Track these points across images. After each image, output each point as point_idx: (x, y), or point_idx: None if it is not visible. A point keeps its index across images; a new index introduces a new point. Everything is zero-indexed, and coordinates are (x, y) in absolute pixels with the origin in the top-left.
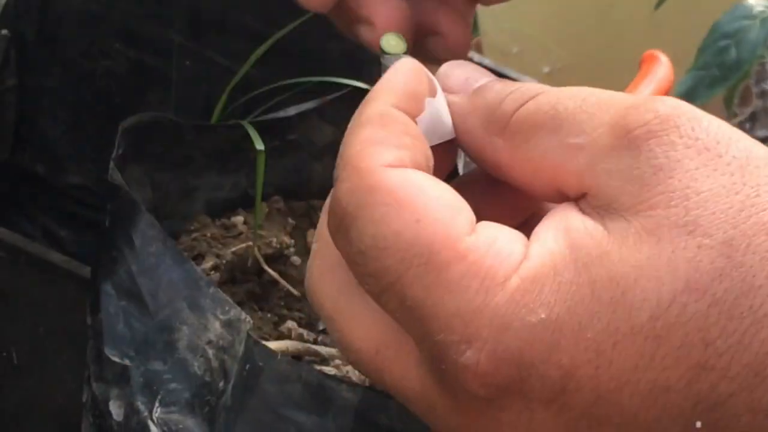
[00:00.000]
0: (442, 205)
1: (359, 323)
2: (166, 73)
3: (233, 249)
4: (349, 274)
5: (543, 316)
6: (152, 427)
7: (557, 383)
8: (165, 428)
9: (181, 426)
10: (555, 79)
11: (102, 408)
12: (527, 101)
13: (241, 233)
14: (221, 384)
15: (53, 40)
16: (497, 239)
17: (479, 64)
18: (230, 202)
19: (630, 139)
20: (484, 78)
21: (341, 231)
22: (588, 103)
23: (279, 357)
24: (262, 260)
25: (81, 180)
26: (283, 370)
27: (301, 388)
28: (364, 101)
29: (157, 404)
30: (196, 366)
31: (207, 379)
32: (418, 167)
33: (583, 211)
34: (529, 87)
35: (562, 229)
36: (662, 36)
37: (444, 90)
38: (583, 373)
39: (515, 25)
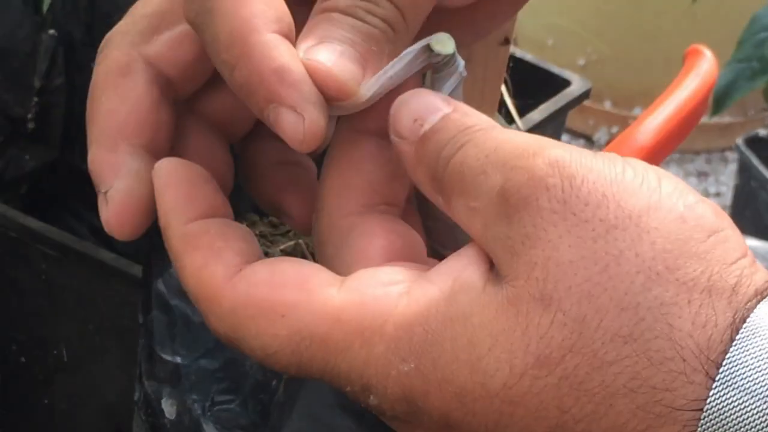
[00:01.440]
0: (295, 285)
1: None
2: None
3: (282, 246)
4: None
5: (413, 365)
6: (205, 426)
7: (440, 420)
8: (218, 426)
9: (233, 424)
10: (590, 71)
11: (154, 406)
12: (456, 153)
13: (289, 231)
14: (274, 382)
15: (101, 39)
16: (367, 288)
17: (515, 57)
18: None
19: (508, 206)
20: (435, 114)
21: (237, 347)
22: (489, 161)
23: None
24: (310, 257)
25: None
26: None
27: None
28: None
29: (209, 402)
30: (248, 365)
31: (259, 377)
32: (244, 255)
33: (483, 266)
34: (459, 136)
35: (453, 278)
36: (699, 28)
37: (394, 134)
38: (456, 416)
39: (551, 18)
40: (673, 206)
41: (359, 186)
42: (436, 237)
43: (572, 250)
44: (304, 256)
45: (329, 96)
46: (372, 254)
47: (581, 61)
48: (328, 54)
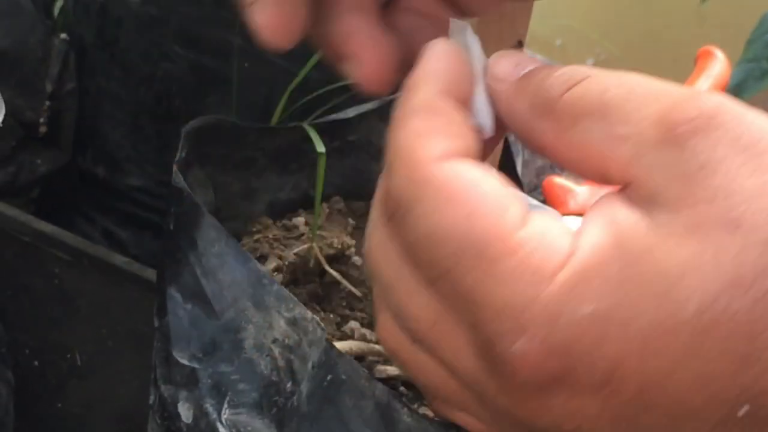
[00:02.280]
0: (494, 199)
1: (418, 295)
2: (226, 75)
3: (295, 250)
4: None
5: (591, 309)
6: (221, 429)
7: (604, 374)
8: (234, 430)
9: (249, 428)
10: None
11: (171, 410)
12: (575, 85)
13: (302, 234)
14: (289, 385)
15: (112, 43)
16: (547, 233)
17: None
18: (291, 203)
19: (675, 135)
20: (533, 64)
21: (395, 220)
22: (636, 93)
23: (360, 371)
24: (323, 261)
25: (141, 182)
26: (361, 385)
27: (372, 406)
28: (407, 89)
29: (225, 406)
30: (263, 365)
31: (274, 378)
32: (467, 156)
33: (628, 200)
34: (576, 70)
35: (609, 222)
36: (708, 27)
37: (492, 78)
38: (629, 364)
39: (559, 17)
40: None
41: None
42: None
43: (753, 179)
44: (317, 260)
45: None
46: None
47: (590, 61)
48: None
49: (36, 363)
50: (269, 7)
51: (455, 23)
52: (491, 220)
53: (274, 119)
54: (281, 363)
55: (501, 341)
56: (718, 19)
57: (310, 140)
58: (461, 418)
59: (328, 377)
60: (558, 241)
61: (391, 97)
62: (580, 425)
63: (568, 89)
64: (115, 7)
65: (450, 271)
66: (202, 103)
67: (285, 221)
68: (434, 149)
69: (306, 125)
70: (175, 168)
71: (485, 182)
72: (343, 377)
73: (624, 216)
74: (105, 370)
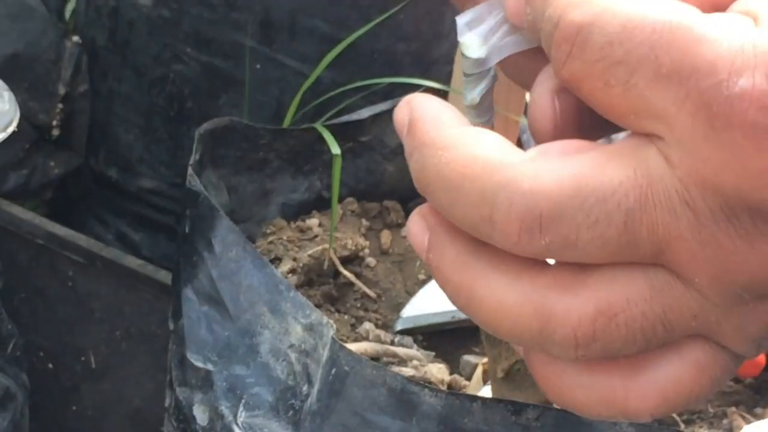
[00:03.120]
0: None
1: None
2: (238, 77)
3: (309, 252)
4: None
5: None
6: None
7: None
8: None
9: (266, 430)
10: None
11: (186, 413)
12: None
13: (316, 236)
14: (305, 388)
15: (125, 45)
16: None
17: None
18: (305, 205)
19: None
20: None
21: (576, 48)
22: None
23: (364, 361)
24: (338, 263)
25: (154, 184)
26: (368, 374)
27: (386, 393)
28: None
29: (241, 408)
30: (279, 370)
31: (290, 383)
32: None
33: None
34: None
35: None
36: None
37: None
38: None
39: None
40: None
41: None
42: None
43: None
44: (331, 261)
45: None
46: None
47: None
48: None
49: (50, 365)
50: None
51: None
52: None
53: (287, 121)
54: (298, 368)
55: (721, 91)
56: None
57: (323, 141)
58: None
59: (333, 371)
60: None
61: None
62: None
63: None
64: (127, 9)
65: (649, 54)
66: (214, 105)
67: (299, 222)
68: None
69: (320, 126)
70: (189, 170)
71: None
72: (346, 368)
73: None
74: (119, 371)
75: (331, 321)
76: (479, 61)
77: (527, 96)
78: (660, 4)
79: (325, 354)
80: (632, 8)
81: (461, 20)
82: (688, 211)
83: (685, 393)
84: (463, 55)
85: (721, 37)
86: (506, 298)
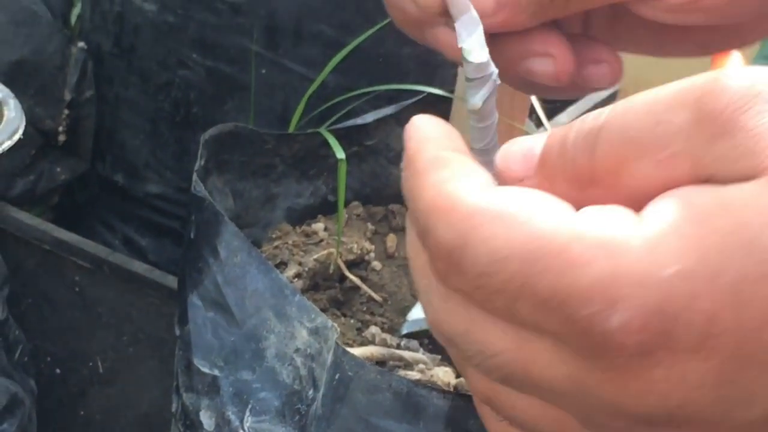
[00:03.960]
0: (539, 202)
1: (494, 329)
2: (244, 82)
3: (315, 256)
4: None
5: (675, 268)
6: None
7: (702, 329)
8: None
9: None
10: None
11: (193, 418)
12: (595, 144)
13: (322, 240)
14: (311, 392)
15: (130, 51)
16: (603, 212)
17: None
18: (310, 209)
19: (721, 124)
20: (536, 145)
21: (452, 268)
22: (656, 112)
23: (368, 366)
24: (344, 267)
25: (160, 189)
26: (372, 379)
27: (390, 397)
28: (407, 163)
29: (247, 414)
30: (285, 374)
31: (296, 387)
32: (490, 187)
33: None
34: (581, 127)
35: (676, 195)
36: None
37: (508, 182)
38: (724, 316)
39: None
40: None
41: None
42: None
43: None
44: (337, 265)
45: None
46: None
47: None
48: None
49: (58, 370)
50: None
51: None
52: (544, 218)
53: (292, 125)
54: (303, 372)
55: (596, 323)
56: None
57: (328, 146)
58: None
59: (337, 376)
60: (620, 215)
61: (410, 101)
62: (685, 397)
63: (592, 152)
64: (133, 15)
65: (526, 282)
66: (220, 110)
67: (304, 227)
68: (462, 187)
69: (324, 131)
70: (195, 176)
71: (523, 192)
72: (350, 374)
73: (691, 189)
74: (126, 376)
75: (335, 325)
76: (480, 66)
77: (533, 100)
78: (529, 216)
79: (329, 358)
80: (499, 230)
81: (461, 25)
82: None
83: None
84: (464, 60)
85: (594, 260)
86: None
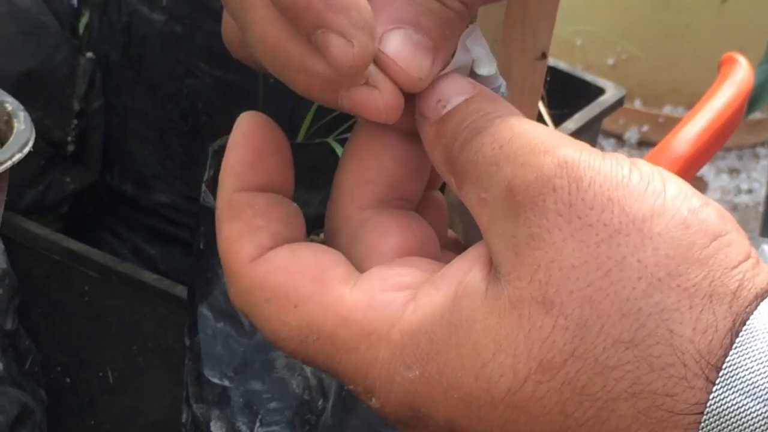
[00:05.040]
0: (312, 278)
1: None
2: (251, 91)
3: None
4: None
5: (417, 373)
6: None
7: (445, 426)
8: None
9: None
10: (620, 70)
11: (203, 429)
12: (470, 141)
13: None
14: (320, 402)
15: (138, 61)
16: (376, 290)
17: (548, 65)
18: (318, 219)
19: (515, 203)
20: (458, 96)
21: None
22: (502, 152)
23: None
24: None
25: (169, 198)
26: None
27: None
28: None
29: (258, 424)
30: (295, 384)
31: (306, 397)
32: (277, 238)
33: (490, 264)
34: (478, 120)
35: (457, 283)
36: (728, 26)
37: (418, 113)
38: (461, 422)
39: (579, 18)
40: (677, 211)
41: (376, 180)
42: (470, 226)
43: (575, 254)
44: None
45: (396, 83)
46: (384, 250)
47: (611, 61)
48: (403, 45)
49: (68, 380)
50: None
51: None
52: (316, 301)
53: (301, 135)
54: (313, 382)
55: (362, 399)
56: (738, 18)
57: (336, 155)
58: None
59: (346, 387)
60: (388, 298)
61: None
62: None
63: (465, 146)
64: (140, 25)
65: (306, 357)
66: (228, 119)
67: (312, 236)
68: (246, 252)
69: (332, 141)
70: (203, 187)
71: (299, 263)
72: None
73: (472, 279)
74: (136, 386)
75: None
76: (489, 79)
77: (540, 108)
78: (299, 300)
79: None
80: (274, 312)
81: (468, 38)
82: None
83: None
84: (473, 73)
85: (356, 348)
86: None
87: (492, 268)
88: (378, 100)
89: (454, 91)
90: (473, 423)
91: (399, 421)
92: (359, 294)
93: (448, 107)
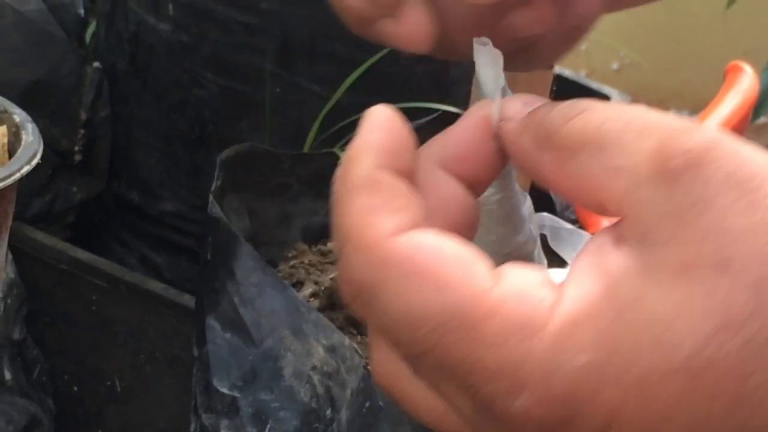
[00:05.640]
0: (460, 264)
1: (420, 396)
2: (258, 101)
3: (331, 275)
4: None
5: (585, 360)
6: None
7: (603, 421)
8: None
9: None
10: (624, 75)
11: None
12: (575, 117)
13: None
14: (329, 412)
15: (145, 70)
16: (525, 285)
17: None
18: (326, 228)
19: (668, 169)
20: (541, 102)
21: (360, 304)
22: (633, 126)
23: None
24: None
25: (175, 207)
26: (398, 412)
27: (410, 431)
28: (346, 162)
29: None
30: (303, 393)
31: (314, 406)
32: (415, 225)
33: (621, 238)
34: (577, 103)
35: (598, 270)
36: (732, 31)
37: (502, 120)
38: (627, 411)
39: None
40: None
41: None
42: None
43: (743, 218)
44: None
45: None
46: None
47: (615, 65)
48: None
49: (75, 389)
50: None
51: (477, 40)
52: (463, 287)
53: (307, 144)
54: (320, 390)
55: (501, 401)
56: (742, 23)
57: None
58: None
59: (367, 404)
60: (539, 293)
61: (423, 120)
62: None
63: (569, 121)
64: (147, 34)
65: (433, 349)
66: (235, 129)
67: (320, 246)
68: (386, 226)
69: (339, 151)
70: (211, 198)
71: (446, 248)
72: (381, 404)
73: (615, 262)
74: (143, 395)
75: (355, 346)
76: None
77: None
78: (446, 281)
79: (353, 381)
80: (413, 289)
81: (480, 52)
82: None
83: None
84: (478, 85)
85: (506, 341)
86: None
87: (626, 241)
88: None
89: (541, 99)
90: (643, 406)
91: (545, 425)
92: (508, 287)
93: (536, 105)
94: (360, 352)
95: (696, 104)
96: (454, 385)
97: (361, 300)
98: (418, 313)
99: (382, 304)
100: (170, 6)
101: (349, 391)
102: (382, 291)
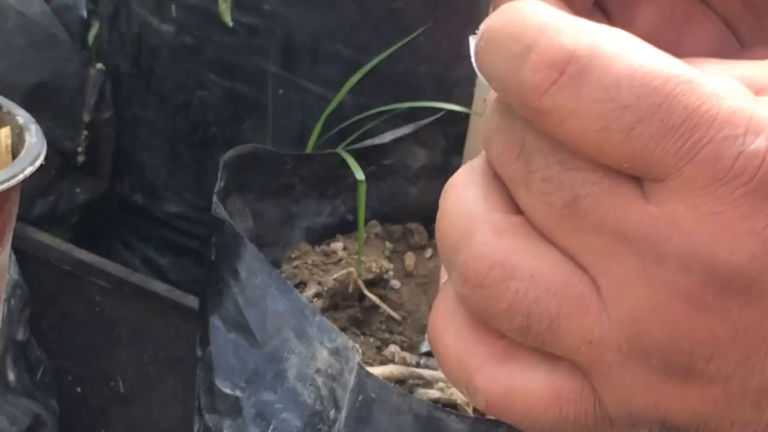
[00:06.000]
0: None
1: (532, 376)
2: (261, 102)
3: (334, 276)
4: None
5: None
6: None
7: None
8: None
9: None
10: None
11: None
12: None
13: (341, 259)
14: (332, 413)
15: (148, 72)
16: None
17: None
18: (329, 229)
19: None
20: None
21: (567, 81)
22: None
23: (390, 388)
24: (363, 286)
25: (179, 208)
26: (395, 401)
27: (412, 420)
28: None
29: None
30: (306, 395)
31: (318, 407)
32: None
33: None
34: None
35: None
36: None
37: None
38: None
39: None
40: None
41: None
42: None
43: None
44: (356, 284)
45: None
46: None
47: None
48: None
49: (79, 390)
50: None
51: (474, 38)
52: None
53: (310, 145)
54: (324, 392)
55: (733, 146)
56: None
57: (346, 165)
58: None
59: (360, 398)
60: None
61: (427, 120)
62: None
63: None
64: (150, 36)
65: (659, 107)
66: (238, 130)
67: (324, 247)
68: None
69: (342, 152)
70: (215, 199)
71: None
72: (373, 395)
73: None
74: (147, 396)
75: (357, 345)
76: None
77: None
78: (661, 54)
79: (351, 379)
80: (634, 50)
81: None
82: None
83: (525, 404)
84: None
85: (735, 95)
86: None
87: None
88: None
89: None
90: None
91: None
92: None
93: None
94: (362, 351)
95: None
96: (676, 147)
97: (571, 73)
98: (650, 62)
99: (603, 65)
100: (173, 8)
101: (349, 391)
102: (599, 54)
